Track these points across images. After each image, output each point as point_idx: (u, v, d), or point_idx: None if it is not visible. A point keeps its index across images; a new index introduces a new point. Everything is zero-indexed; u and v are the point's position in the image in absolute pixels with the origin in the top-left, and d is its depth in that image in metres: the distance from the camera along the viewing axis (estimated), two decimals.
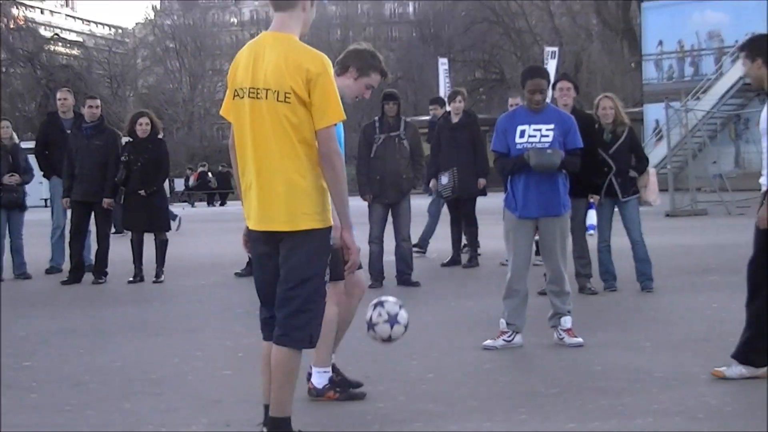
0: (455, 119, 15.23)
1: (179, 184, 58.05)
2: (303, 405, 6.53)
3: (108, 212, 14.54)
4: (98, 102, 15.08)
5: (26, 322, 11.05)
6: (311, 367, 6.89)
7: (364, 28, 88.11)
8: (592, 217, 11.71)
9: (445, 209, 15.89)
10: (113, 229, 16.87)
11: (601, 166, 11.73)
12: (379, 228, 13.09)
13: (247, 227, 5.65)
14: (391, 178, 12.83)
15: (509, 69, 71.17)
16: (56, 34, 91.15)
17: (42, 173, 16.11)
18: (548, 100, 9.21)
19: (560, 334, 8.75)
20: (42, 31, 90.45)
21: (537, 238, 8.98)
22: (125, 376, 8.00)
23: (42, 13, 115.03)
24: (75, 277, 14.48)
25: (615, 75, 61.82)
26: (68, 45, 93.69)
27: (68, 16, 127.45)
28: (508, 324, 8.70)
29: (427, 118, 19.64)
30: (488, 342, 8.69)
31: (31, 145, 17.97)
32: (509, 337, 8.69)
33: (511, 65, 72.13)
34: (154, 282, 14.20)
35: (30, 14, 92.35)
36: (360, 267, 6.53)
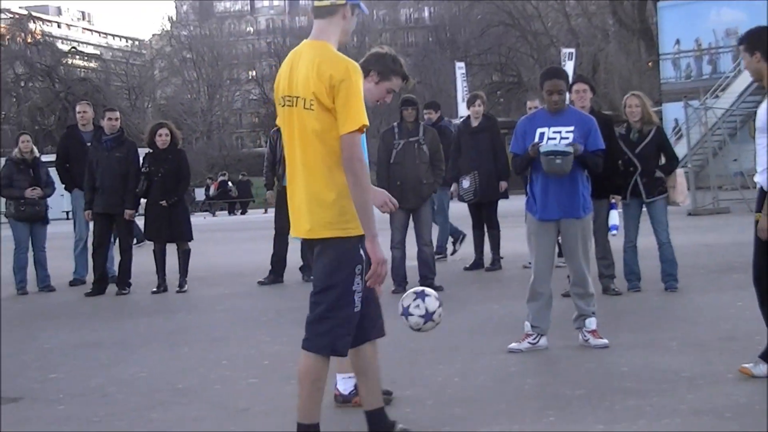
0: (475, 123, 15.22)
1: (200, 194, 58.17)
2: (329, 412, 6.52)
3: (130, 224, 14.57)
4: (117, 114, 15.14)
5: (51, 335, 11.09)
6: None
7: (380, 33, 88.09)
8: (614, 217, 11.65)
9: (466, 213, 15.85)
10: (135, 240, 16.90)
11: (626, 166, 11.70)
12: (401, 233, 13.08)
13: None
14: (411, 183, 12.82)
15: (526, 71, 71.04)
16: (74, 48, 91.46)
17: (63, 186, 16.15)
18: (567, 102, 9.18)
19: (585, 336, 8.73)
20: (59, 44, 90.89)
21: (560, 240, 8.96)
22: (151, 386, 8.02)
23: (59, 27, 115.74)
24: (99, 288, 14.52)
25: (632, 75, 61.59)
26: (86, 58, 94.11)
27: (85, 29, 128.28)
28: (532, 327, 8.68)
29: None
30: (513, 345, 8.67)
31: (51, 158, 18.02)
32: (534, 339, 8.67)
33: (528, 68, 72.01)
34: (177, 292, 14.23)
35: (47, 28, 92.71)
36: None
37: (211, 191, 56.52)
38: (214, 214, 53.21)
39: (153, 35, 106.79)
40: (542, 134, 8.69)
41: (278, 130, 15.52)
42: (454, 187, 15.32)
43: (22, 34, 79.23)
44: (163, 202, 14.11)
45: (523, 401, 6.89)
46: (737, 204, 27.98)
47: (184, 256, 14.49)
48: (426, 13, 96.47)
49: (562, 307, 9.69)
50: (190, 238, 14.57)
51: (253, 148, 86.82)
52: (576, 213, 8.65)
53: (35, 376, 8.64)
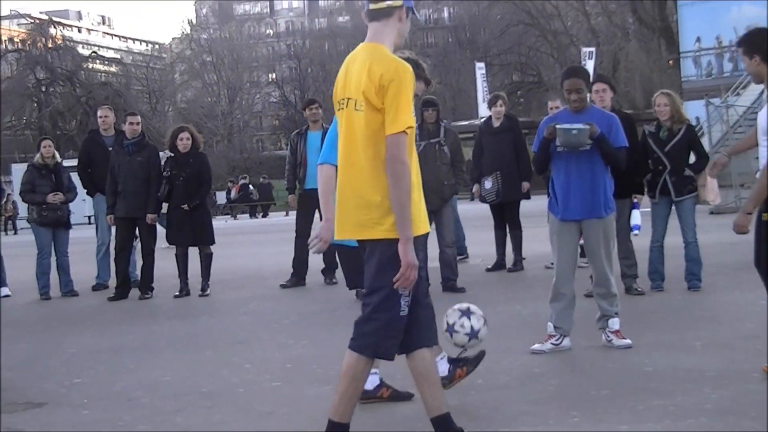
0: (496, 123, 15.20)
1: (221, 197, 58.29)
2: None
3: (152, 228, 14.59)
4: (139, 118, 15.17)
5: (75, 339, 11.12)
6: None
7: None
8: (636, 217, 11.60)
9: (488, 213, 15.81)
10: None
11: (655, 164, 11.67)
12: None
13: None
14: (433, 184, 12.77)
15: (546, 71, 70.97)
16: (94, 52, 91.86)
17: (85, 191, 16.18)
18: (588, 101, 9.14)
19: (608, 336, 8.71)
20: (80, 49, 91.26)
21: (582, 241, 8.94)
22: (176, 390, 8.03)
23: (80, 31, 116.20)
24: (121, 293, 14.56)
25: (653, 73, 61.36)
26: (106, 62, 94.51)
27: (105, 33, 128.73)
28: (555, 327, 8.67)
29: (465, 123, 19.63)
30: (536, 346, 8.66)
31: (73, 163, 18.06)
32: (557, 340, 8.65)
33: (548, 67, 71.93)
34: (200, 296, 14.26)
35: (68, 33, 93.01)
36: None
37: (232, 194, 56.62)
38: (235, 218, 53.34)
39: (173, 39, 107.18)
40: None
41: (299, 132, 15.60)
42: (476, 188, 15.28)
43: (43, 39, 79.50)
44: (185, 206, 14.13)
45: (546, 402, 6.88)
46: None
47: (206, 260, 14.51)
48: (446, 14, 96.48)
49: (585, 307, 9.65)
50: (212, 242, 14.58)
51: (274, 150, 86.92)
52: (598, 212, 8.61)
53: (60, 381, 8.67)
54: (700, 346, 8.50)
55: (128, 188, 14.45)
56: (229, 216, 54.27)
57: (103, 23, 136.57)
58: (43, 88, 79.04)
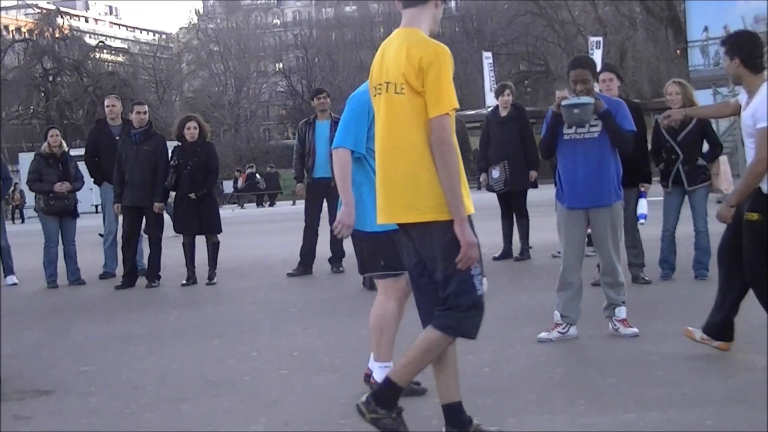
0: (504, 113, 15.18)
1: (228, 187, 58.32)
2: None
3: (159, 216, 14.59)
4: (146, 108, 15.17)
5: (82, 328, 11.14)
6: (369, 368, 6.91)
7: None
8: (643, 206, 11.57)
9: (495, 203, 15.80)
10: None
11: (668, 154, 11.64)
12: None
13: None
14: None
15: (554, 61, 70.82)
16: (101, 42, 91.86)
17: (92, 180, 16.19)
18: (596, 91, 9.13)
19: (615, 325, 8.71)
20: (87, 39, 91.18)
21: (589, 230, 8.93)
22: (182, 378, 8.04)
23: (87, 21, 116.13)
24: (129, 281, 14.57)
25: (660, 63, 61.21)
26: (113, 52, 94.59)
27: (113, 23, 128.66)
28: (562, 316, 8.67)
29: (472, 112, 19.63)
30: (543, 335, 8.66)
31: (80, 152, 18.08)
32: (564, 329, 8.65)
33: (555, 57, 71.76)
34: (207, 284, 14.27)
35: (75, 23, 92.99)
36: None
37: (239, 183, 56.69)
38: (242, 207, 53.37)
39: (180, 29, 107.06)
40: None
41: (307, 122, 15.59)
42: (482, 177, 15.27)
43: (50, 29, 79.56)
44: (192, 195, 14.14)
45: (553, 390, 6.88)
46: None
47: (213, 249, 14.53)
48: (453, 4, 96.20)
49: (592, 296, 9.65)
50: (219, 231, 14.59)
51: (281, 140, 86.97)
52: (605, 200, 8.60)
53: (67, 369, 8.68)
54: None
55: (135, 177, 14.45)
56: (236, 205, 54.30)
57: (111, 13, 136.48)
58: (51, 78, 79.07)
